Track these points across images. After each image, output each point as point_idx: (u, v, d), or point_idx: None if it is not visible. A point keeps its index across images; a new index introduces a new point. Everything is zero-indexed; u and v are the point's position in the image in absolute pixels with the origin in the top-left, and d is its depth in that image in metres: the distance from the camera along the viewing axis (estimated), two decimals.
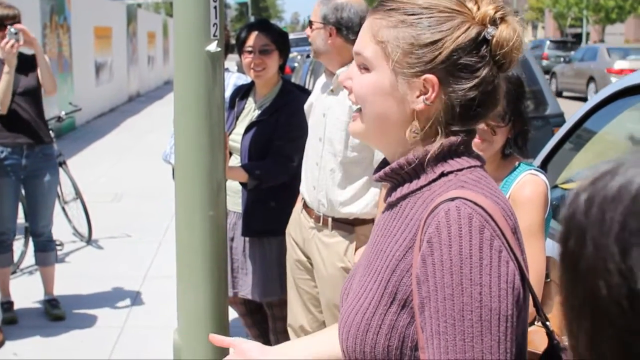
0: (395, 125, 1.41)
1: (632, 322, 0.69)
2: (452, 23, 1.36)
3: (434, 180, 1.38)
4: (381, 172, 1.46)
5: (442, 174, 1.38)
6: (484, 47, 1.37)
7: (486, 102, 1.39)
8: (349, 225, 3.40)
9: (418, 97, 1.38)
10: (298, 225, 3.64)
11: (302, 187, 3.60)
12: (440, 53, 1.35)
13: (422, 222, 1.31)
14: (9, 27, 4.96)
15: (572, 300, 0.76)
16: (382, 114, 1.42)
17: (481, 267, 1.23)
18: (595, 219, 0.73)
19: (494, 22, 1.38)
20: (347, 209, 3.36)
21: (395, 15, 1.40)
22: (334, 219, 3.41)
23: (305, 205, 3.58)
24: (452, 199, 1.29)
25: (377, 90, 1.41)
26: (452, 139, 1.39)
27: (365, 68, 1.44)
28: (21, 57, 5.20)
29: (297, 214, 3.67)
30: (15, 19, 5.08)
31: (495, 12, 1.38)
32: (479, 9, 1.38)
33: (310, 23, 3.48)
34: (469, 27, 1.36)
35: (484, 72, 1.37)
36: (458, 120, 1.39)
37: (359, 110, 1.46)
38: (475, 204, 1.28)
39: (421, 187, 1.39)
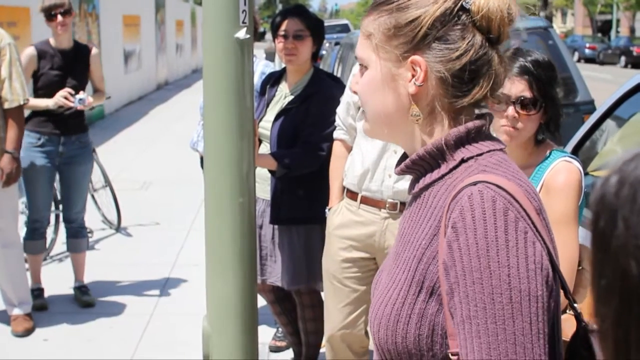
0: (399, 117, 1.43)
1: None
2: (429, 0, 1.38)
3: (455, 167, 1.38)
4: (402, 165, 1.46)
5: (462, 160, 1.38)
6: (464, 15, 1.38)
7: (480, 73, 1.39)
8: None
9: (410, 81, 1.39)
10: (353, 223, 3.50)
11: (357, 181, 3.45)
12: (420, 29, 1.37)
13: (446, 208, 1.31)
14: (77, 96, 5.12)
15: (601, 280, 0.77)
16: (381, 109, 1.44)
17: (508, 249, 1.23)
18: (626, 199, 0.73)
19: None
20: None
21: (380, 7, 1.43)
22: None
23: (367, 199, 3.46)
24: (474, 183, 1.29)
25: (372, 85, 1.44)
26: (469, 124, 1.39)
27: (364, 67, 1.46)
28: (76, 47, 5.36)
29: (349, 212, 3.52)
30: (63, 7, 5.14)
31: None
32: None
33: None
34: (445, 0, 1.38)
35: (468, 39, 1.37)
36: (455, 94, 1.39)
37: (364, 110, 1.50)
38: (498, 186, 1.28)
39: (443, 176, 1.39)
